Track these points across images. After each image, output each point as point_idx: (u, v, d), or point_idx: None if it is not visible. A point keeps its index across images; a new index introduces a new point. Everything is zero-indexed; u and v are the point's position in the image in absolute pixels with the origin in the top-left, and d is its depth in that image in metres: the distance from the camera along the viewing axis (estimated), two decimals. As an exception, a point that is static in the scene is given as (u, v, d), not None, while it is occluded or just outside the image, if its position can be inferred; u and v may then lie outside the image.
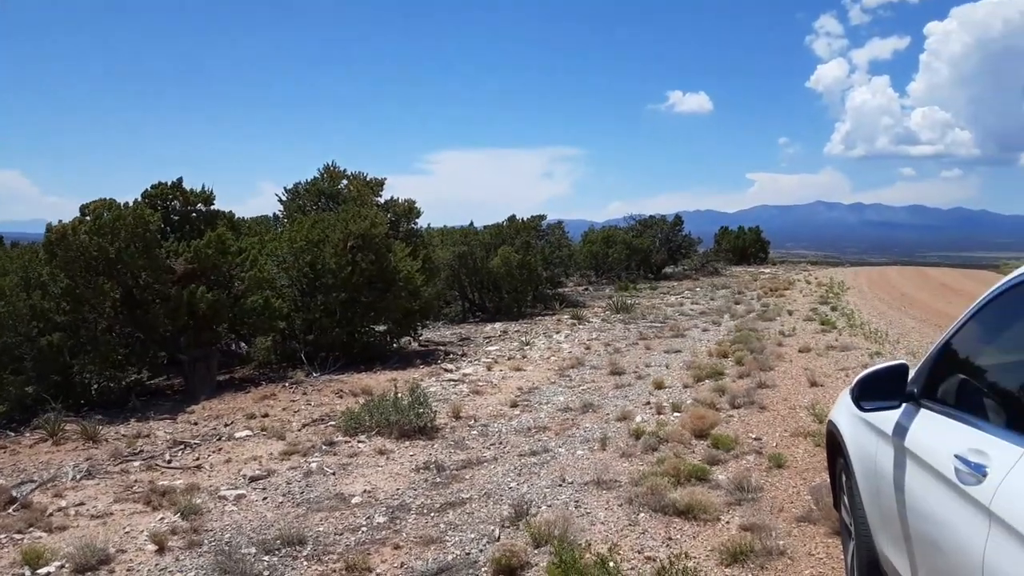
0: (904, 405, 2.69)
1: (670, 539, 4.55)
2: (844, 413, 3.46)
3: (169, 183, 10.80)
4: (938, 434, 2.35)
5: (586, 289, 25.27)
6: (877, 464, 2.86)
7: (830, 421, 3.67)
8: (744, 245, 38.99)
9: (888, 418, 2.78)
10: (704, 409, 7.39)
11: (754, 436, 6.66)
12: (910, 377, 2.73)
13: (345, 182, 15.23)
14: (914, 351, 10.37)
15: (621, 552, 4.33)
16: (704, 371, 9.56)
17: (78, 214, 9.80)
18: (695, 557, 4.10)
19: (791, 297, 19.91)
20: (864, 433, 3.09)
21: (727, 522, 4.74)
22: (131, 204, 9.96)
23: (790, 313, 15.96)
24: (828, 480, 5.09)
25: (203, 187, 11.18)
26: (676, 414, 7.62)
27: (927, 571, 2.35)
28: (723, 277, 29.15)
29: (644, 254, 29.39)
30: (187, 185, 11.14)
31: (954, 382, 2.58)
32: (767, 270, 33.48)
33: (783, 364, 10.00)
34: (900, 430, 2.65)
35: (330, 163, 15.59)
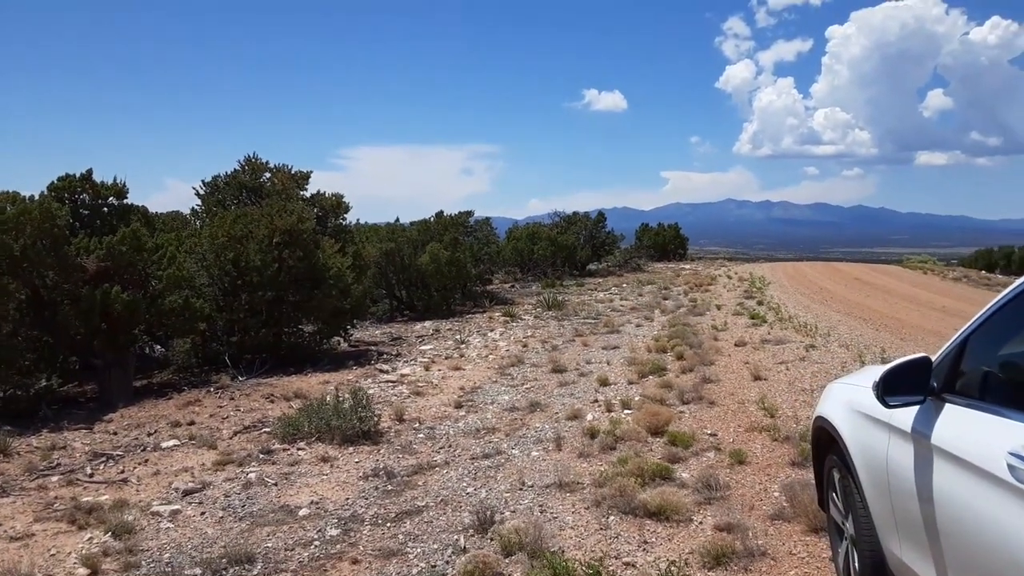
0: (926, 400, 2.58)
1: (646, 543, 4.40)
2: (839, 408, 3.36)
3: (78, 175, 10.01)
4: (980, 430, 2.24)
5: (513, 286, 25.16)
6: (890, 462, 2.76)
7: (819, 417, 3.57)
8: (664, 242, 39.70)
9: (903, 414, 2.68)
10: (655, 406, 7.31)
11: (709, 432, 6.61)
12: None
13: (268, 175, 14.57)
14: (847, 344, 10.64)
15: (599, 559, 4.14)
16: (646, 367, 9.53)
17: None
18: (676, 562, 3.95)
19: (716, 292, 20.30)
20: (870, 430, 2.98)
21: (700, 522, 4.63)
22: (36, 197, 9.16)
23: (718, 308, 16.22)
24: (800, 477, 5.07)
25: (115, 179, 10.43)
26: (627, 411, 7.52)
27: (964, 573, 2.24)
28: (647, 273, 29.57)
29: (569, 251, 29.49)
30: (97, 178, 10.38)
31: (978, 376, 2.49)
32: (687, 266, 34.19)
33: (722, 358, 10.08)
34: (923, 426, 2.54)
35: (251, 155, 14.88)
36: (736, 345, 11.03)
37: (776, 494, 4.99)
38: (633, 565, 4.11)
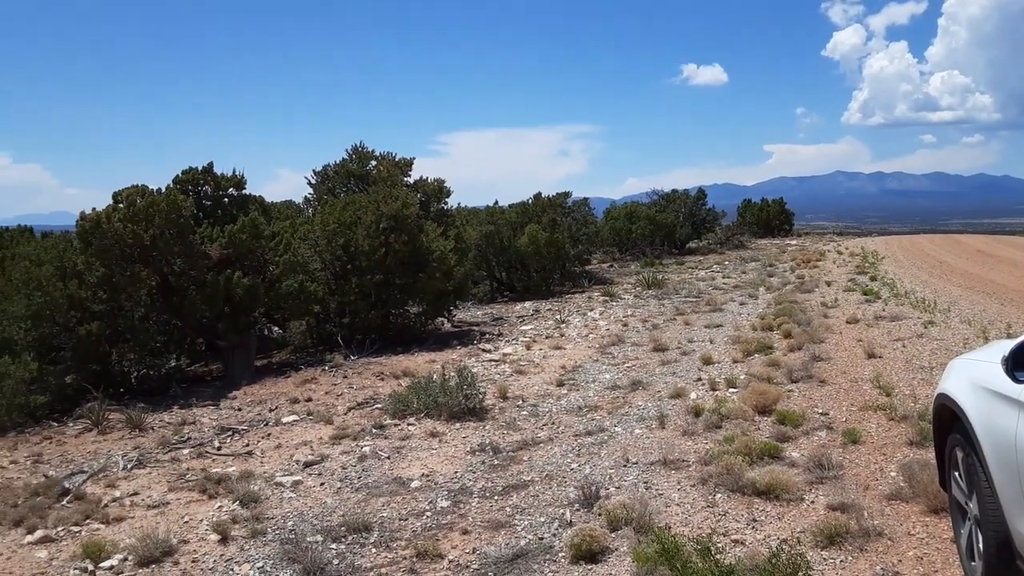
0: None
1: (755, 520, 4.36)
2: (963, 385, 3.22)
3: (200, 168, 10.65)
4: None
5: (611, 266, 25.00)
6: (1019, 440, 2.64)
7: (941, 394, 3.43)
8: (768, 217, 38.40)
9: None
10: (763, 384, 7.16)
11: (820, 411, 6.43)
12: None
13: (374, 163, 15.02)
14: (969, 319, 10.06)
15: (708, 535, 4.14)
16: (752, 345, 9.32)
17: (110, 202, 9.67)
18: (788, 540, 3.89)
19: (825, 268, 19.53)
20: (997, 407, 2.85)
21: (812, 502, 4.54)
22: (163, 190, 9.81)
23: (828, 284, 15.61)
24: (919, 457, 4.89)
25: (234, 171, 11.03)
26: (732, 390, 7.40)
27: None
28: (750, 250, 28.73)
29: (668, 229, 29.00)
30: (216, 170, 10.99)
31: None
32: (793, 242, 33.00)
33: (833, 336, 9.72)
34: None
35: (358, 144, 15.37)
36: (848, 322, 10.61)
37: (893, 474, 4.81)
38: (742, 543, 4.08)
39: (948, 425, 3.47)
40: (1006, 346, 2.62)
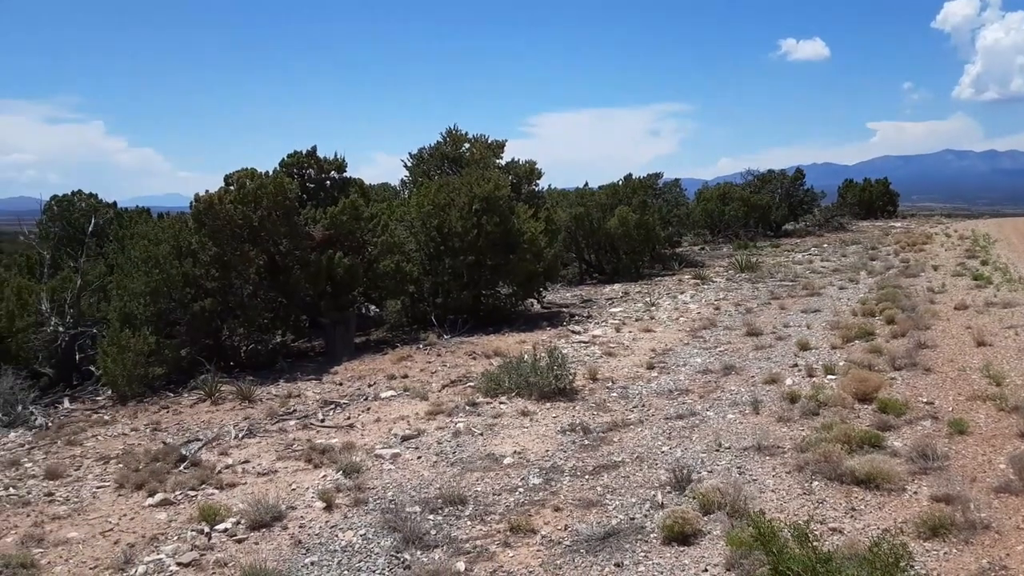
0: None
1: (853, 509, 4.29)
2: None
3: (304, 152, 11.08)
4: None
5: (703, 249, 24.53)
6: None
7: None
8: (871, 198, 36.67)
9: None
10: (863, 371, 6.95)
11: (925, 400, 6.21)
12: None
13: (467, 145, 15.23)
14: (1091, 308, 9.44)
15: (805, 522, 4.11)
16: (852, 331, 9.03)
17: (221, 185, 10.21)
18: (890, 530, 3.83)
19: (932, 252, 18.59)
20: None
21: (914, 492, 4.43)
22: (270, 173, 10.27)
23: (935, 268, 14.88)
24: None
25: (335, 155, 11.43)
26: (831, 377, 7.22)
27: None
28: (851, 232, 27.61)
29: (763, 211, 28.15)
30: (320, 154, 11.42)
31: None
32: (898, 224, 31.45)
33: (940, 323, 9.31)
34: None
35: (452, 127, 15.62)
36: (956, 308, 10.13)
37: (1002, 466, 4.64)
38: (840, 531, 4.04)
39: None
40: None
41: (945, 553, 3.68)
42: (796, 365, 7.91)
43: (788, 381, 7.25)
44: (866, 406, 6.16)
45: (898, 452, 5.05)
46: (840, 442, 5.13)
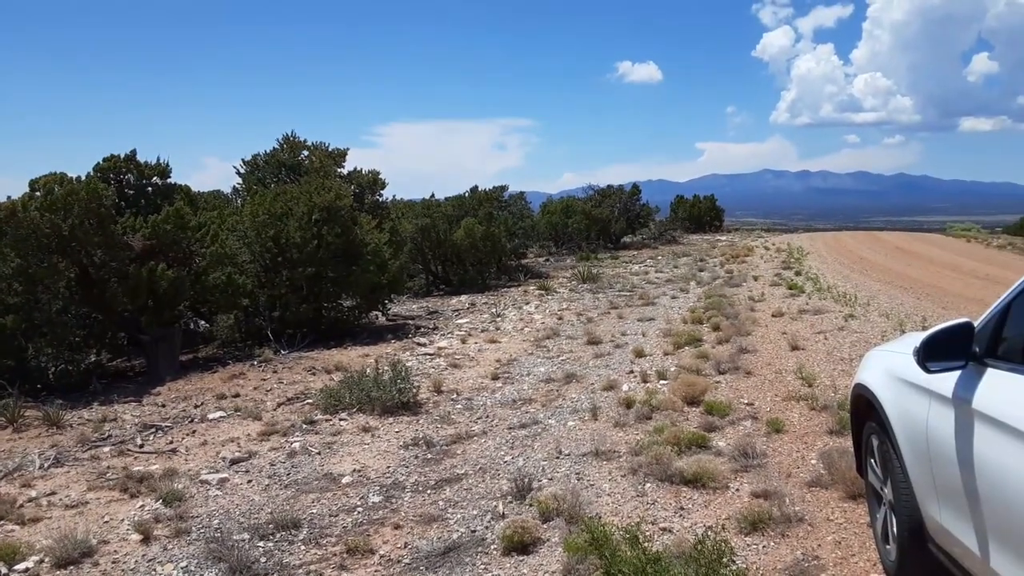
0: (968, 365, 2.57)
1: (682, 509, 4.45)
2: (878, 375, 3.36)
3: (122, 156, 10.25)
4: (1023, 395, 2.23)
5: (547, 260, 25.15)
6: (930, 428, 2.76)
7: (858, 384, 3.57)
8: (700, 213, 39.22)
9: (944, 379, 2.66)
10: (691, 376, 7.32)
11: (746, 401, 6.61)
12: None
13: (306, 153, 14.71)
14: (887, 313, 10.49)
15: (636, 524, 4.20)
16: (682, 338, 9.52)
17: (26, 190, 9.23)
18: (713, 527, 3.99)
19: (753, 263, 20.08)
20: (910, 396, 2.98)
21: (737, 489, 4.66)
22: (83, 178, 9.40)
23: (756, 279, 16.06)
24: (838, 445, 5.07)
25: (158, 159, 10.68)
26: (663, 382, 7.54)
27: (1005, 537, 2.24)
28: (682, 245, 29.34)
29: (603, 224, 29.33)
30: (140, 158, 10.61)
31: (1022, 340, 2.47)
32: (723, 237, 33.80)
33: (759, 329, 10.01)
34: (964, 392, 2.53)
35: (290, 133, 15.04)
36: (773, 316, 10.94)
37: (814, 462, 4.99)
38: (670, 530, 4.17)
39: (865, 414, 3.60)
40: (918, 338, 2.73)
41: (764, 547, 3.88)
42: (632, 371, 8.20)
43: (624, 387, 7.49)
44: (694, 409, 6.46)
45: (722, 452, 5.31)
46: (670, 444, 5.33)
